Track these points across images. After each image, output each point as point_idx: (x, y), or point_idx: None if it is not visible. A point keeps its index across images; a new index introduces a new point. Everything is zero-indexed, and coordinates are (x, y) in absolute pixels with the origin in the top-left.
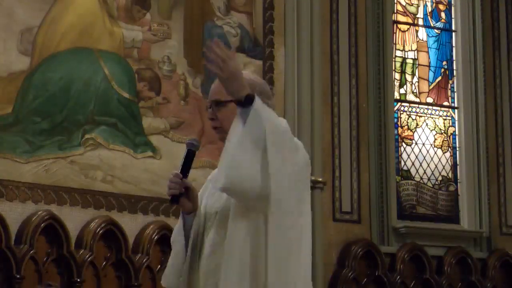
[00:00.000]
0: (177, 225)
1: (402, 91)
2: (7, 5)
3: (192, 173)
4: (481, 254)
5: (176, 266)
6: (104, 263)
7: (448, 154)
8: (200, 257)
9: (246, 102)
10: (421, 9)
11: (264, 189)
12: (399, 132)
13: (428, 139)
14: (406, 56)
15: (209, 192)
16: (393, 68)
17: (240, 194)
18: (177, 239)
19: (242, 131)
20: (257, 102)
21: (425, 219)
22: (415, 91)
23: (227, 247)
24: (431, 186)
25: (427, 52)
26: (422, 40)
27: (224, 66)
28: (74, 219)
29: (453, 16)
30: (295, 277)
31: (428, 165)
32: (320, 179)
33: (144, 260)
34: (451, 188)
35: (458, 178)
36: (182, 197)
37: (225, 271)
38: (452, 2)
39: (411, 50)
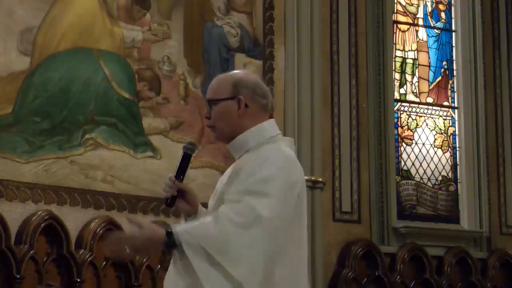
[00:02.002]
0: None
1: (402, 91)
2: (7, 5)
3: (192, 173)
4: (481, 254)
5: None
6: (104, 263)
7: (448, 154)
8: None
9: (169, 242)
10: (421, 9)
11: None
12: (399, 132)
13: (428, 139)
14: (406, 56)
15: (214, 192)
16: (393, 68)
17: None
18: None
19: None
20: (180, 235)
21: (425, 219)
22: (415, 91)
23: None
24: (431, 186)
25: (427, 52)
26: (422, 40)
27: (130, 248)
28: (74, 219)
29: (453, 16)
30: None
31: (428, 165)
32: (320, 179)
33: (144, 260)
34: (451, 188)
35: (458, 178)
36: (176, 200)
37: None
38: (452, 2)
39: (411, 50)
